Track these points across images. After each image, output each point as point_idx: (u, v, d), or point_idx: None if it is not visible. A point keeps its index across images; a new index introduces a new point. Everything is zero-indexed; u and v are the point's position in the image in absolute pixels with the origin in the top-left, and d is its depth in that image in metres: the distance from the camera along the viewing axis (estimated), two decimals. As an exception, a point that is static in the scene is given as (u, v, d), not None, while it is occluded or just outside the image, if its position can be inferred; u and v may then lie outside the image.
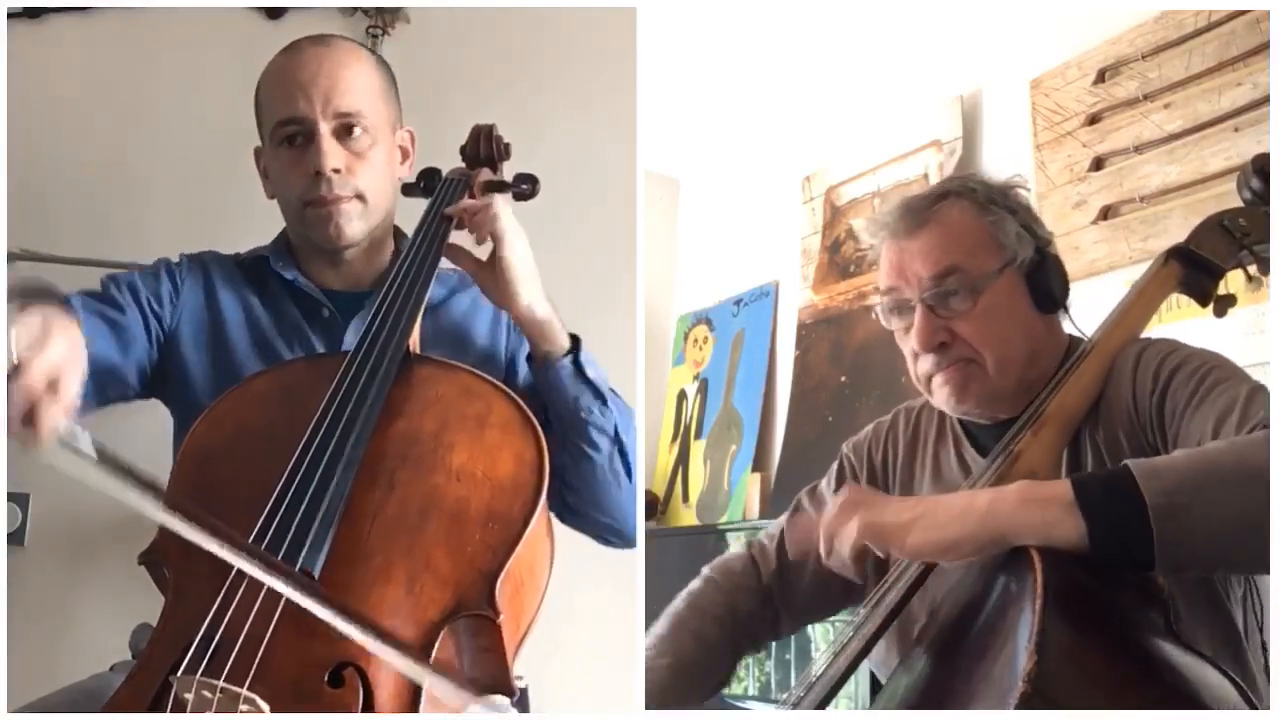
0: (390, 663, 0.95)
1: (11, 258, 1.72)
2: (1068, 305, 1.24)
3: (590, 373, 1.31)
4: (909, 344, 1.22)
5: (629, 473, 1.33)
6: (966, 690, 0.83)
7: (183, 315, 1.42)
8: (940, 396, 1.21)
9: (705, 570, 1.38)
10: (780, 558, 1.34)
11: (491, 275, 1.32)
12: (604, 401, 1.31)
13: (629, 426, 1.35)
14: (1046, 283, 1.22)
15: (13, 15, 2.00)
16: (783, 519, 1.38)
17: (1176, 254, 1.25)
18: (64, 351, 0.94)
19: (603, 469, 1.31)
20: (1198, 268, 1.24)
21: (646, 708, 1.19)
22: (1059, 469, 1.13)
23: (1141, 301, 1.22)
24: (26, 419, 0.91)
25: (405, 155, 1.50)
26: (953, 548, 0.94)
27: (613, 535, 1.38)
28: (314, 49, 1.42)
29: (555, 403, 1.32)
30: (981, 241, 1.20)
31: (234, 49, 2.01)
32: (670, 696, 1.22)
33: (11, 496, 1.90)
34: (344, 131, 1.38)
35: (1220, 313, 1.26)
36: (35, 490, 1.93)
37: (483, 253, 1.36)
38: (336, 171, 1.36)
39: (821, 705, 0.99)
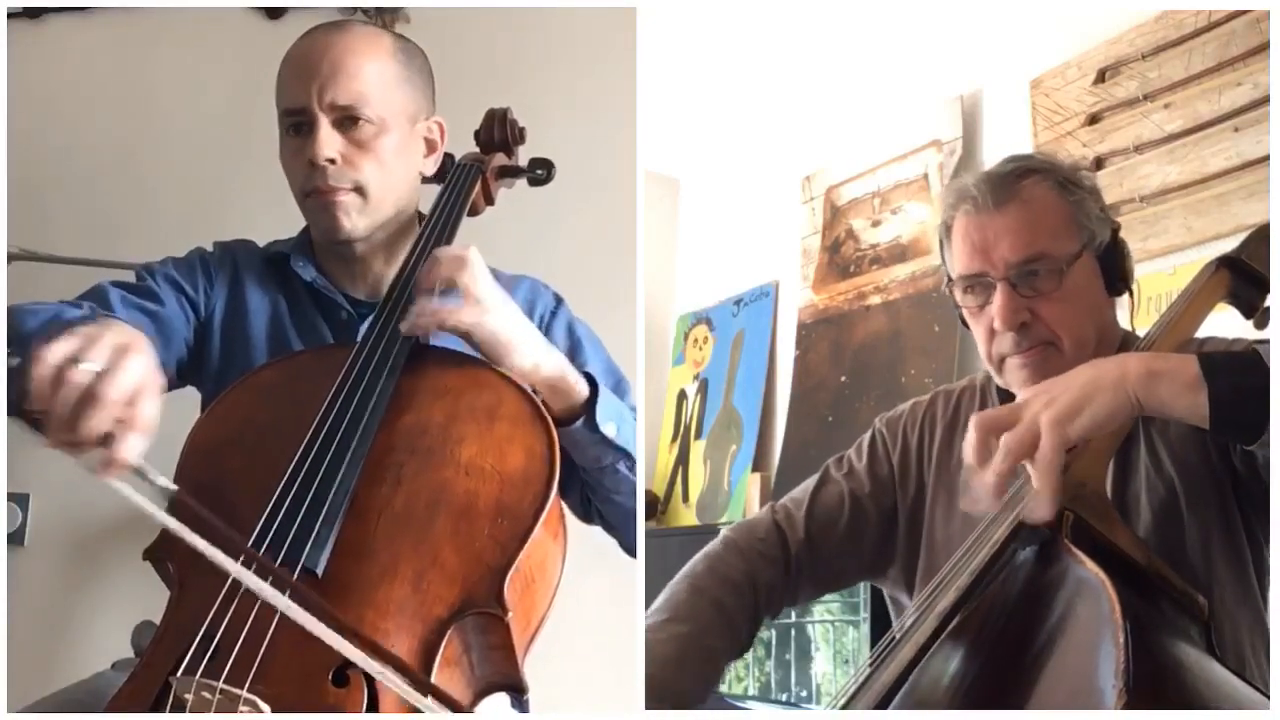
0: (387, 685, 0.91)
1: (11, 258, 1.71)
2: (1133, 289, 1.24)
3: (609, 430, 1.22)
4: (982, 321, 1.21)
5: None
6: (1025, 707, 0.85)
7: (216, 304, 1.41)
8: (1016, 378, 1.20)
9: (726, 532, 1.33)
10: (809, 527, 1.30)
11: (481, 344, 1.20)
12: (628, 456, 1.25)
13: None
14: (1120, 264, 1.22)
15: (13, 15, 2.00)
16: (809, 484, 1.35)
17: (1227, 263, 1.20)
18: (142, 372, 0.89)
19: (633, 511, 1.28)
20: (1247, 279, 1.20)
21: (660, 676, 1.12)
22: (1106, 480, 1.11)
23: (1191, 310, 1.18)
24: (104, 442, 0.87)
25: (432, 148, 1.44)
26: (1108, 421, 0.96)
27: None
28: (326, 36, 1.37)
29: (577, 457, 1.26)
30: (1065, 222, 1.19)
31: (234, 49, 2.01)
32: (689, 666, 1.16)
33: (11, 496, 1.90)
34: (347, 122, 1.33)
35: (1262, 325, 1.21)
36: (35, 490, 1.93)
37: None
38: (332, 162, 1.31)
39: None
